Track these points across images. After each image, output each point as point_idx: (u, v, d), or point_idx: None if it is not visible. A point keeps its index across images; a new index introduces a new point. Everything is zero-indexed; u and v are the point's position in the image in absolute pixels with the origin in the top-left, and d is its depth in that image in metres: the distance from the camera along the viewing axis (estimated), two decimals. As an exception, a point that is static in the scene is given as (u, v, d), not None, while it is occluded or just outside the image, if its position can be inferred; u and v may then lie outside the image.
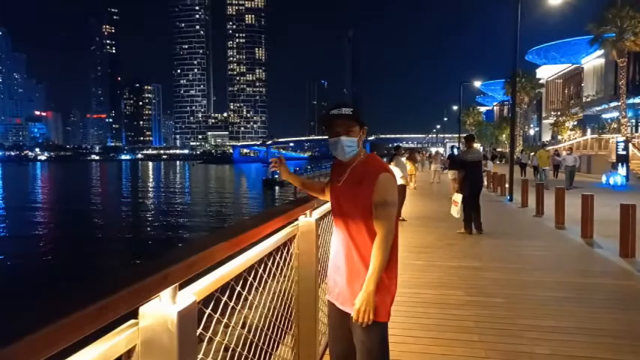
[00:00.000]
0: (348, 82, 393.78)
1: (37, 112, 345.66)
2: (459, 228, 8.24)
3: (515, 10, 14.07)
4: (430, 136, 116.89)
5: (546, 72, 56.70)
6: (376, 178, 1.92)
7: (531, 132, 61.79)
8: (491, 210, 11.00)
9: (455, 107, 55.17)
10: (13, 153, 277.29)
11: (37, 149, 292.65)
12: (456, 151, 18.92)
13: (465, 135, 9.70)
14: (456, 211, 8.14)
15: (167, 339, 1.01)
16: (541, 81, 54.42)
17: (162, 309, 1.02)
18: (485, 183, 19.66)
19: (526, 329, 3.74)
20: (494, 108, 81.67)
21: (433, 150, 53.88)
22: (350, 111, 1.98)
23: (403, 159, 10.45)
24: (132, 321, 1.00)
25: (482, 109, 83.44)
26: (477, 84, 50.34)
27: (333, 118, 1.99)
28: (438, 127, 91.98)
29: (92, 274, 12.44)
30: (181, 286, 1.14)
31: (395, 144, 11.90)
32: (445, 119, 76.06)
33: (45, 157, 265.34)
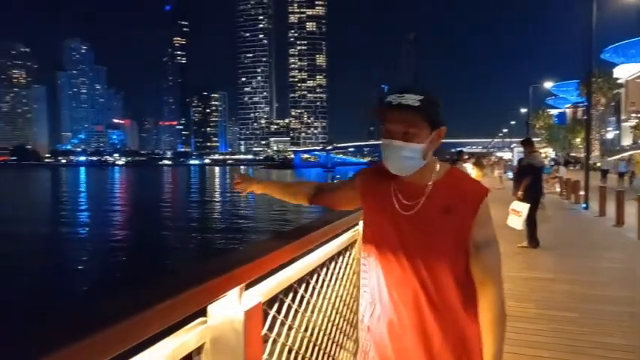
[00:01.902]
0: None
1: (116, 120, 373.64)
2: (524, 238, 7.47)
3: (589, 5, 13.20)
4: (496, 140, 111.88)
5: (625, 71, 52.43)
6: (478, 204, 1.32)
7: (609, 135, 57.27)
8: (565, 219, 10.35)
9: (523, 110, 52.47)
10: (94, 158, 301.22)
11: (116, 154, 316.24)
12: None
13: (521, 139, 8.86)
14: (519, 222, 7.20)
15: (234, 338, 1.03)
16: (619, 81, 50.42)
17: (230, 308, 1.04)
18: (558, 190, 18.61)
19: (598, 347, 3.50)
20: (567, 110, 76.67)
21: (498, 155, 51.53)
22: (417, 100, 1.26)
23: (468, 165, 10.11)
24: (201, 319, 1.02)
25: (553, 111, 78.63)
26: (548, 85, 47.57)
27: (389, 109, 1.29)
28: (505, 131, 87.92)
29: (163, 272, 13.20)
30: (247, 287, 1.14)
31: (457, 149, 11.53)
32: (512, 123, 72.59)
33: (123, 162, 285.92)
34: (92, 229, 23.69)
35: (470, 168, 10.52)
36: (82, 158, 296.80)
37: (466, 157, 11.02)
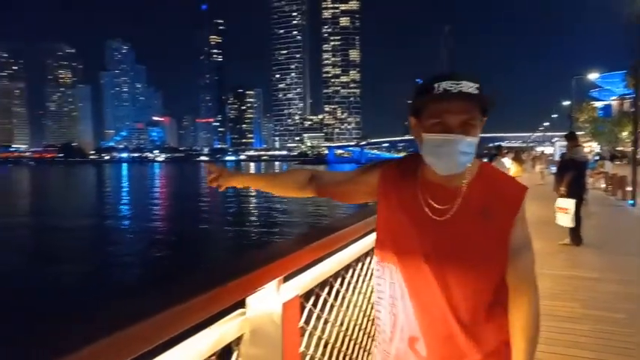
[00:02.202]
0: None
1: (155, 118, 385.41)
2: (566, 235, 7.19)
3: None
4: (536, 134, 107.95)
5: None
6: (518, 205, 1.20)
7: (661, 128, 54.03)
8: (610, 216, 9.89)
9: (565, 103, 50.35)
10: (136, 155, 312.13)
11: (156, 151, 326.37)
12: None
13: (565, 133, 8.55)
14: (568, 219, 6.96)
15: (272, 329, 1.05)
16: (672, 70, 47.34)
17: (268, 300, 1.06)
18: (604, 186, 17.79)
19: (650, 350, 3.33)
20: (612, 103, 72.95)
21: (539, 150, 49.75)
22: (475, 87, 1.11)
23: (506, 160, 9.80)
24: (240, 310, 1.04)
25: (598, 104, 75.03)
26: (592, 77, 45.42)
27: (446, 98, 1.11)
28: (546, 124, 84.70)
29: (202, 265, 13.56)
30: (284, 280, 1.16)
31: (496, 143, 11.19)
32: (554, 116, 69.78)
33: (162, 159, 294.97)
34: (134, 223, 24.58)
35: (508, 163, 10.21)
36: (124, 155, 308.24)
37: (505, 151, 10.68)
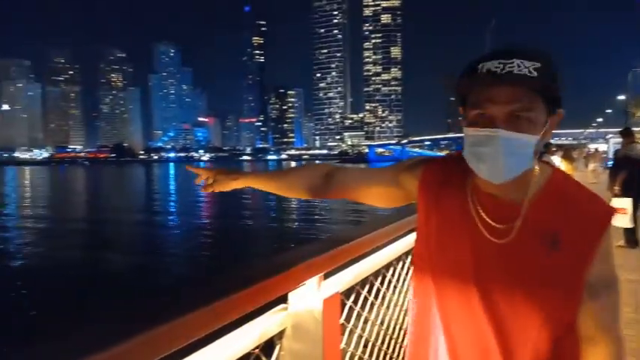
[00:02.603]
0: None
1: (201, 119, 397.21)
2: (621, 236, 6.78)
3: None
4: (589, 131, 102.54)
5: None
6: (600, 234, 0.90)
7: None
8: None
9: (621, 97, 47.50)
10: (182, 154, 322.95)
11: (201, 151, 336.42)
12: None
13: (620, 130, 8.10)
14: (626, 220, 6.55)
15: (313, 325, 1.06)
16: None
17: (309, 296, 1.07)
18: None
19: None
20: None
21: (592, 147, 47.26)
22: (533, 68, 0.83)
23: (555, 158, 9.42)
24: (282, 305, 1.05)
25: (658, 97, 70.21)
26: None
27: (489, 82, 0.85)
28: (599, 120, 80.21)
29: (246, 260, 13.89)
30: (325, 277, 1.17)
31: (545, 141, 10.75)
32: (608, 111, 65.99)
33: (207, 158, 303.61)
34: (181, 218, 25.47)
35: (558, 161, 9.80)
36: (172, 155, 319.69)
37: (554, 149, 10.24)
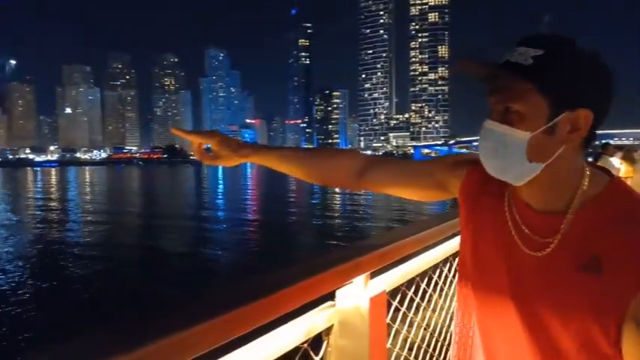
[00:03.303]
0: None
1: (248, 120, 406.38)
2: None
3: None
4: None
5: None
6: None
7: None
8: None
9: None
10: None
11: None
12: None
13: None
14: None
15: (360, 322, 1.08)
16: None
17: (356, 294, 1.08)
18: None
19: None
20: None
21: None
22: (530, 57, 0.75)
23: (614, 160, 8.89)
24: (330, 302, 1.07)
25: None
26: None
27: (495, 71, 0.80)
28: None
29: (294, 256, 14.13)
30: (372, 275, 1.18)
31: (602, 141, 10.17)
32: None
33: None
34: (230, 215, 26.22)
35: (617, 162, 9.25)
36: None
37: (614, 149, 9.68)
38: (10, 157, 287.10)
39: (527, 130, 0.77)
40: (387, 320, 1.24)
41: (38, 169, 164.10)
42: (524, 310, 0.85)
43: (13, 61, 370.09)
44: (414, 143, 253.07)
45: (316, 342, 0.99)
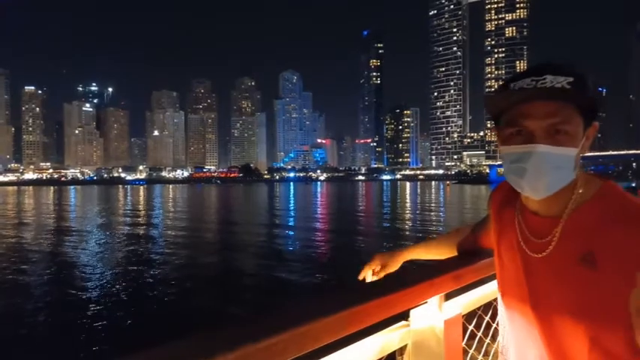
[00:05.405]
0: (636, 87, 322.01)
1: (319, 140, 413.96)
2: None
3: None
4: None
5: None
6: None
7: None
8: None
9: None
10: (301, 174, 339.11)
11: (318, 171, 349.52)
12: None
13: None
14: None
15: (435, 344, 1.06)
16: None
17: (430, 315, 1.07)
18: None
19: None
20: None
21: None
22: (567, 82, 0.84)
23: None
24: (404, 322, 1.07)
25: None
26: None
27: (522, 98, 0.87)
28: None
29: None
30: (447, 297, 1.17)
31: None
32: None
33: (324, 178, 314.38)
34: (299, 234, 26.76)
35: None
36: (292, 174, 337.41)
37: None
38: (105, 175, 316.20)
39: (573, 147, 0.86)
40: (464, 344, 1.20)
41: (128, 186, 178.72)
42: (539, 313, 0.92)
43: (110, 89, 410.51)
44: (490, 162, 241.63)
45: (390, 360, 0.96)
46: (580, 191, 0.91)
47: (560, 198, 0.91)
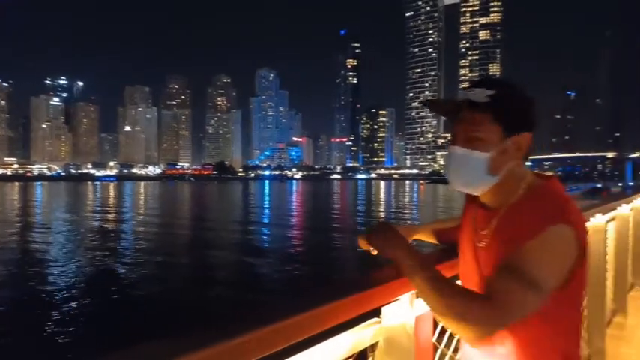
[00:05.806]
0: (603, 91, 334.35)
1: (295, 139, 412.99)
2: None
3: None
4: None
5: None
6: (533, 233, 0.93)
7: None
8: None
9: None
10: (276, 172, 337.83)
11: (294, 169, 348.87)
12: None
13: None
14: None
15: (406, 340, 1.06)
16: None
17: (402, 312, 1.07)
18: None
19: None
20: None
21: None
22: (487, 95, 0.99)
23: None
24: (375, 319, 1.07)
25: None
26: None
27: (454, 104, 1.07)
28: None
29: (339, 273, 13.99)
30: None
31: None
32: None
33: (299, 176, 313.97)
34: (276, 231, 26.51)
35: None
36: (267, 172, 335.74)
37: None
38: (74, 171, 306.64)
39: (486, 151, 1.01)
40: (433, 340, 1.22)
41: (98, 183, 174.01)
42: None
43: (80, 83, 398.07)
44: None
45: (361, 358, 1.00)
46: (522, 189, 1.04)
47: (502, 194, 1.06)
